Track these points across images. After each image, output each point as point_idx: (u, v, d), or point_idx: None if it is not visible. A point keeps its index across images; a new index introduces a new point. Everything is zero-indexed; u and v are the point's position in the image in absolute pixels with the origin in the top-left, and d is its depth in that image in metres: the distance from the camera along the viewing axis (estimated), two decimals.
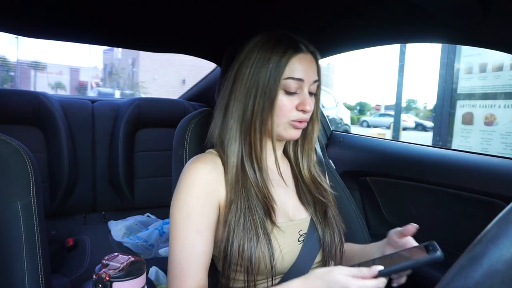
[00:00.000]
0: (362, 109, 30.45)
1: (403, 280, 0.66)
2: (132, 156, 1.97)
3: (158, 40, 1.30)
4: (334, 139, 1.62)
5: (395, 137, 7.66)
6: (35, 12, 0.97)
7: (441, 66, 4.41)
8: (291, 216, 0.78)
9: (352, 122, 11.47)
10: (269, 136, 0.76)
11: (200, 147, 0.87)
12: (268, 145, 0.79)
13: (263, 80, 0.72)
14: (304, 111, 0.74)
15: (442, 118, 4.26)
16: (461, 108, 4.05)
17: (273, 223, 0.72)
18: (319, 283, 0.61)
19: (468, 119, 3.98)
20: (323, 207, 0.81)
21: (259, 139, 0.75)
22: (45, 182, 1.75)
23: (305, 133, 0.83)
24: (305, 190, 0.82)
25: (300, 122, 0.75)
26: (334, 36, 1.08)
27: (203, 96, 2.16)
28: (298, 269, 0.74)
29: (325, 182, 0.88)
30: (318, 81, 0.78)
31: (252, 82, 0.73)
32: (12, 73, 16.61)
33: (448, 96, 4.16)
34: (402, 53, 7.45)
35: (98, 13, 0.99)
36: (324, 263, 0.80)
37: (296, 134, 0.77)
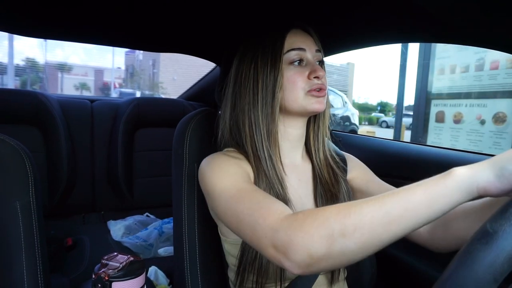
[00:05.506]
0: (383, 109, 29.99)
1: None
2: (131, 155, 1.97)
3: (159, 40, 1.30)
4: (333, 139, 1.61)
5: (397, 137, 7.66)
6: (34, 11, 0.96)
7: (418, 67, 4.67)
8: None
9: (371, 123, 11.49)
10: (286, 123, 0.75)
11: (200, 147, 0.87)
12: (286, 143, 0.77)
13: (265, 64, 0.71)
14: (317, 77, 0.71)
15: (419, 116, 4.62)
16: (435, 107, 4.40)
17: None
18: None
19: (440, 117, 4.30)
20: None
21: (276, 130, 0.73)
22: (44, 182, 1.74)
23: (317, 118, 0.81)
24: (322, 194, 0.78)
25: (318, 90, 0.72)
26: (333, 35, 1.08)
27: (202, 95, 2.16)
28: (306, 277, 0.72)
29: (344, 185, 0.82)
30: (320, 51, 0.76)
31: (255, 70, 0.72)
32: (41, 75, 16.73)
33: (424, 96, 4.51)
34: (403, 53, 7.45)
35: (99, 13, 0.99)
36: (332, 271, 0.76)
37: (319, 105, 0.72)
